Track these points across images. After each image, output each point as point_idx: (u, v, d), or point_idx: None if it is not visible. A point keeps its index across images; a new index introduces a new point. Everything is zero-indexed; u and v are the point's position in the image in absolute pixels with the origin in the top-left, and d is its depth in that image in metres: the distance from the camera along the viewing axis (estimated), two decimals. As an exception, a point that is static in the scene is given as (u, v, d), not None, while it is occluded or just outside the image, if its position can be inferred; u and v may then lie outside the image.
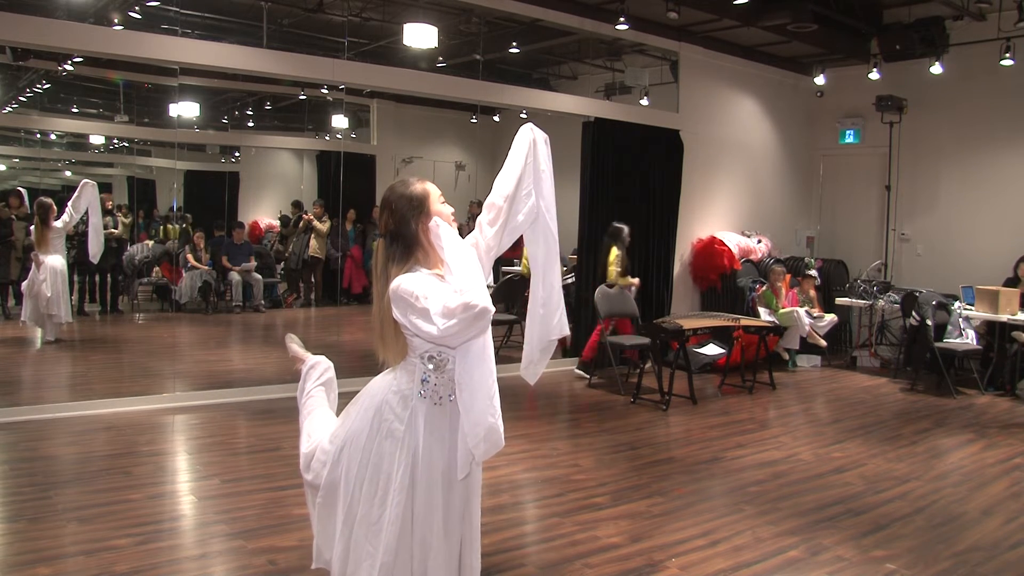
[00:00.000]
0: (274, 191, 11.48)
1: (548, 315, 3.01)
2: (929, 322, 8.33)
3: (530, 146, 2.91)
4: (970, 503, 4.99)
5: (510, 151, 2.91)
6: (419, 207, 2.66)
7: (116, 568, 3.61)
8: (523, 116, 9.75)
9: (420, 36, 7.71)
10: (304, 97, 10.65)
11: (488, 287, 2.55)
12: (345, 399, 2.89)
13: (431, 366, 2.66)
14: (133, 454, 5.36)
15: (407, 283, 2.52)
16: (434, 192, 2.72)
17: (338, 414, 2.99)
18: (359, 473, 2.70)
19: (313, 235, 10.68)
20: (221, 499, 4.58)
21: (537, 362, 3.07)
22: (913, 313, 8.55)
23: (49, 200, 7.80)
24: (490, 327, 2.58)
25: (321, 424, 3.00)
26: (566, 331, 3.10)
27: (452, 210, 2.75)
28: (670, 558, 3.97)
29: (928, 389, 8.42)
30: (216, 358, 8.70)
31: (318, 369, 3.22)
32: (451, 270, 2.50)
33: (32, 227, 7.79)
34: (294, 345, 3.39)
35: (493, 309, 2.41)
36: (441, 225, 2.62)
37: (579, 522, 4.43)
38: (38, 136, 9.59)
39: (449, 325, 2.37)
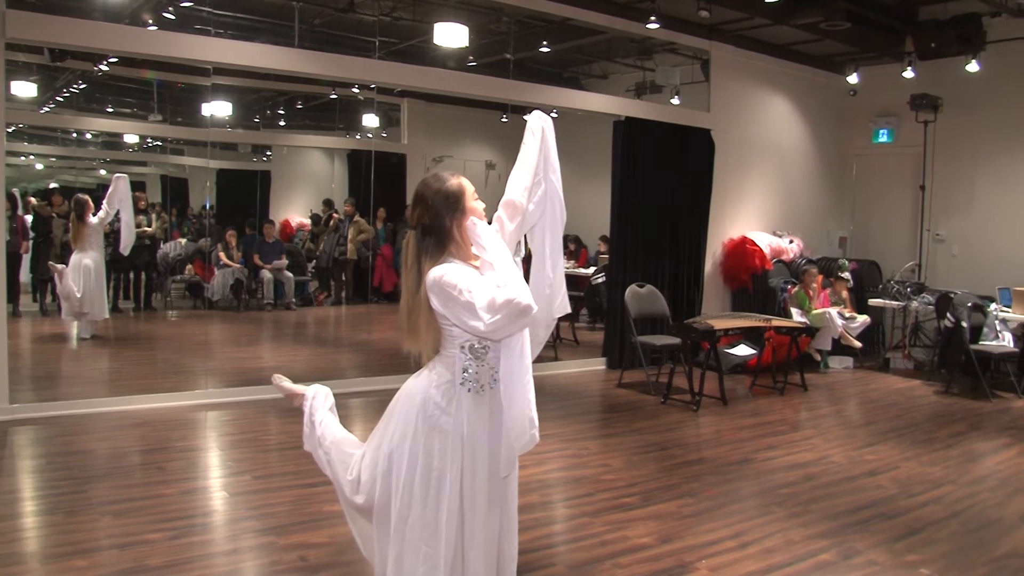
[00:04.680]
0: (305, 190, 11.55)
1: (554, 295, 3.07)
2: (964, 324, 8.22)
3: (542, 135, 2.96)
4: (1007, 508, 4.91)
5: (524, 142, 2.96)
6: (455, 204, 2.69)
7: (149, 562, 3.66)
8: (553, 115, 9.73)
9: (451, 35, 7.72)
10: (335, 96, 10.70)
11: None
12: (373, 397, 2.90)
13: (471, 356, 2.67)
14: (166, 450, 5.42)
15: (451, 275, 2.55)
16: (469, 188, 2.75)
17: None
18: (408, 476, 2.70)
19: (355, 235, 10.71)
20: (252, 495, 4.62)
21: (542, 340, 3.11)
22: (948, 315, 8.43)
23: (86, 197, 7.92)
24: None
25: (352, 447, 2.99)
26: (568, 309, 3.15)
27: (484, 206, 2.77)
28: (700, 559, 3.95)
29: (963, 392, 8.30)
30: (247, 355, 8.78)
31: (321, 396, 3.15)
32: (494, 267, 2.53)
33: (70, 223, 7.91)
34: (285, 383, 3.26)
35: (536, 307, 2.46)
36: (479, 224, 2.65)
37: (609, 522, 4.42)
38: (74, 135, 9.72)
39: (495, 320, 2.41)
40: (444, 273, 2.56)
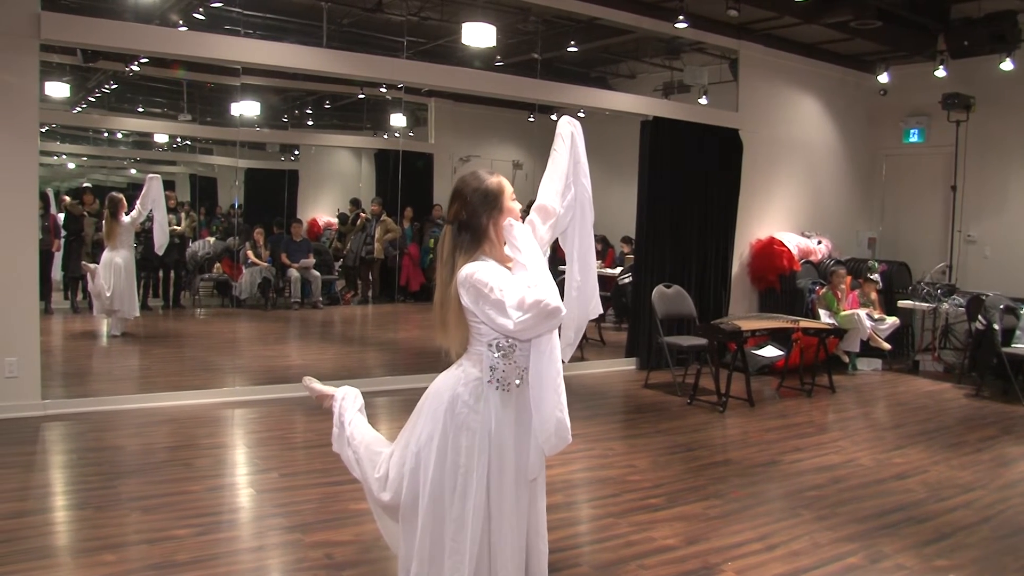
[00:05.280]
0: (333, 189, 11.61)
1: (584, 297, 3.07)
2: (996, 326, 8.11)
3: (571, 140, 2.98)
4: (1039, 513, 4.84)
5: (554, 148, 2.98)
6: (493, 203, 2.73)
7: (177, 557, 3.69)
8: (581, 115, 9.71)
9: (478, 35, 7.72)
10: (363, 96, 10.75)
11: None
12: (399, 396, 2.92)
13: (499, 354, 2.70)
14: (194, 446, 5.47)
15: (482, 273, 2.58)
16: (508, 189, 2.78)
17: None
18: (436, 473, 2.72)
19: (382, 235, 10.76)
20: (279, 492, 4.65)
21: (573, 343, 3.12)
22: (979, 317, 8.33)
23: (120, 195, 8.03)
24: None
25: (381, 446, 3.03)
26: (600, 310, 3.16)
27: (520, 207, 2.80)
28: (726, 561, 3.93)
29: (994, 395, 8.18)
30: (274, 353, 8.84)
31: (350, 397, 3.20)
32: (526, 268, 2.57)
33: (103, 221, 8.00)
34: (314, 384, 3.32)
35: (565, 310, 2.49)
36: (516, 225, 2.68)
37: (634, 523, 4.40)
38: (105, 135, 9.83)
39: (524, 319, 2.44)
40: (476, 270, 2.60)
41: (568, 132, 2.98)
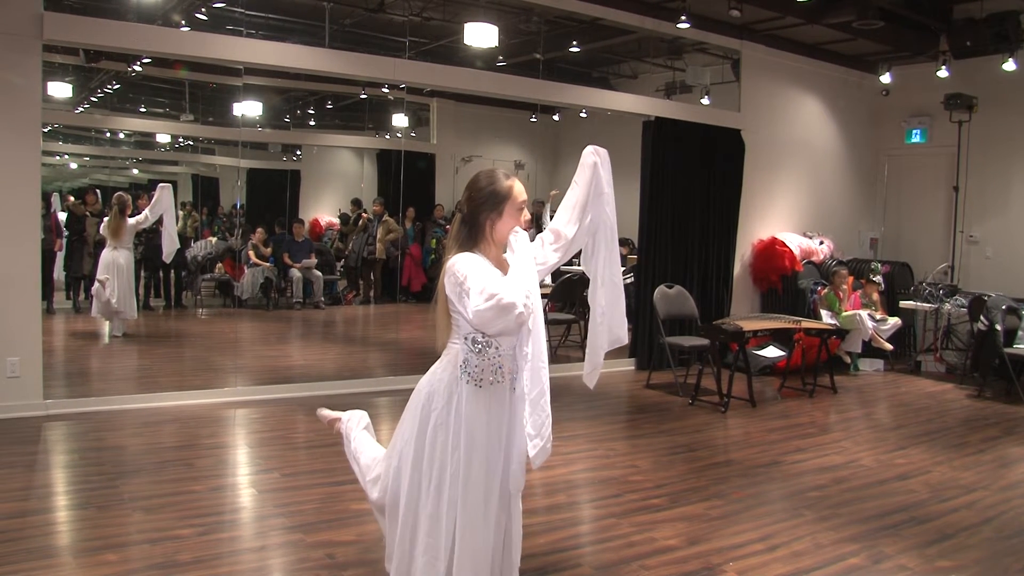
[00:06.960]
0: (335, 189, 11.61)
1: (614, 323, 3.12)
2: (998, 327, 8.10)
3: (593, 170, 3.02)
4: (1041, 514, 4.83)
5: (576, 176, 3.03)
6: (495, 206, 2.78)
7: (179, 557, 3.69)
8: (583, 115, 9.72)
9: (480, 35, 7.72)
10: (365, 96, 10.74)
11: (547, 286, 2.65)
12: (400, 396, 2.94)
13: (472, 349, 2.73)
14: (196, 446, 5.47)
15: (462, 263, 2.65)
16: (518, 196, 2.81)
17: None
18: (414, 470, 2.80)
19: (384, 235, 10.76)
20: (280, 492, 4.65)
21: (599, 366, 3.17)
22: (981, 317, 8.31)
23: (128, 196, 8.05)
24: (544, 336, 2.72)
25: (377, 452, 3.16)
26: (626, 339, 3.20)
27: (528, 218, 2.85)
28: (728, 562, 3.93)
29: (996, 396, 8.18)
30: (276, 353, 8.84)
31: (356, 418, 3.37)
32: (510, 270, 2.67)
33: (107, 218, 7.99)
34: (324, 411, 3.54)
35: (522, 309, 2.51)
36: (520, 232, 2.77)
37: (636, 523, 4.40)
38: (107, 135, 9.82)
39: (481, 308, 2.49)
40: (458, 260, 2.66)
41: (591, 162, 3.02)
